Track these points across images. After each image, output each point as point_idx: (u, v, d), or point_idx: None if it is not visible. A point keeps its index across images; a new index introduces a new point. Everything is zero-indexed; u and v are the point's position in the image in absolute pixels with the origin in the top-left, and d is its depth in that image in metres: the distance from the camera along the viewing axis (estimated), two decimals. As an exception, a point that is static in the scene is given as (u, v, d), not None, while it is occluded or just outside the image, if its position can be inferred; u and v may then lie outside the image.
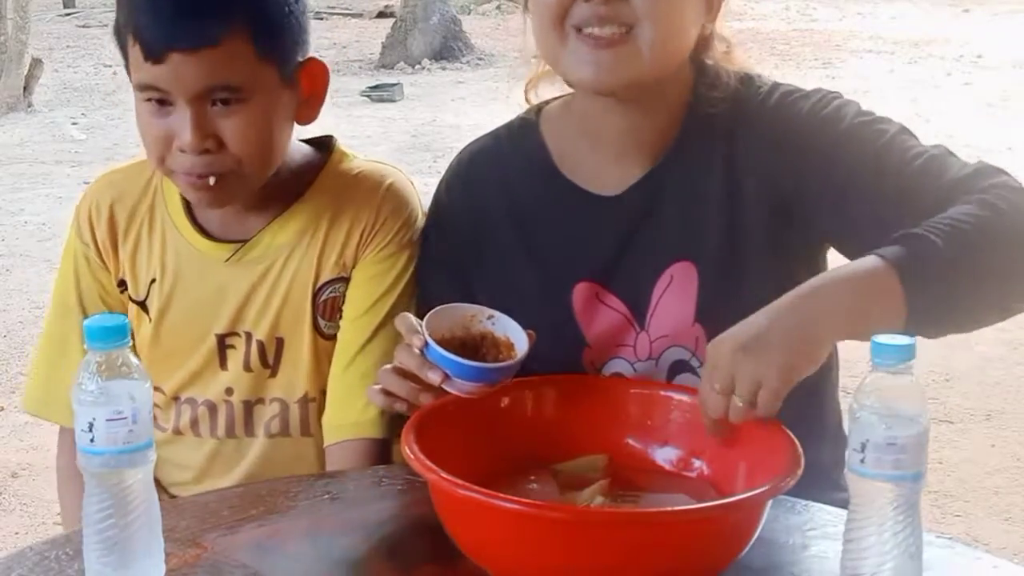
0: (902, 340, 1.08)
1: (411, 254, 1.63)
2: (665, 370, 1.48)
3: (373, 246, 1.62)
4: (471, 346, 1.33)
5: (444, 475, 1.14)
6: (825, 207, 1.42)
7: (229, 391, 1.65)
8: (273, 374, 1.64)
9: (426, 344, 1.30)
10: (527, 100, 1.60)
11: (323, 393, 1.64)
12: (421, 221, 1.65)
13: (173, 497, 1.65)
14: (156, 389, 1.64)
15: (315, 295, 1.62)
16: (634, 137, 1.49)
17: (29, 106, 9.27)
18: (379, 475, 1.45)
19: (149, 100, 1.54)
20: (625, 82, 1.42)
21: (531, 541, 1.13)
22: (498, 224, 1.56)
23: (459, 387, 1.31)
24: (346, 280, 1.63)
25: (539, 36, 1.46)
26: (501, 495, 1.12)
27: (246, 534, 1.31)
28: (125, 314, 1.65)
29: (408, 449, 1.20)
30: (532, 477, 1.28)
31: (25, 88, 9.37)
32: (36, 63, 9.57)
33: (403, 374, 1.32)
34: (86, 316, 1.62)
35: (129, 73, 1.57)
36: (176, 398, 1.66)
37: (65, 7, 15.04)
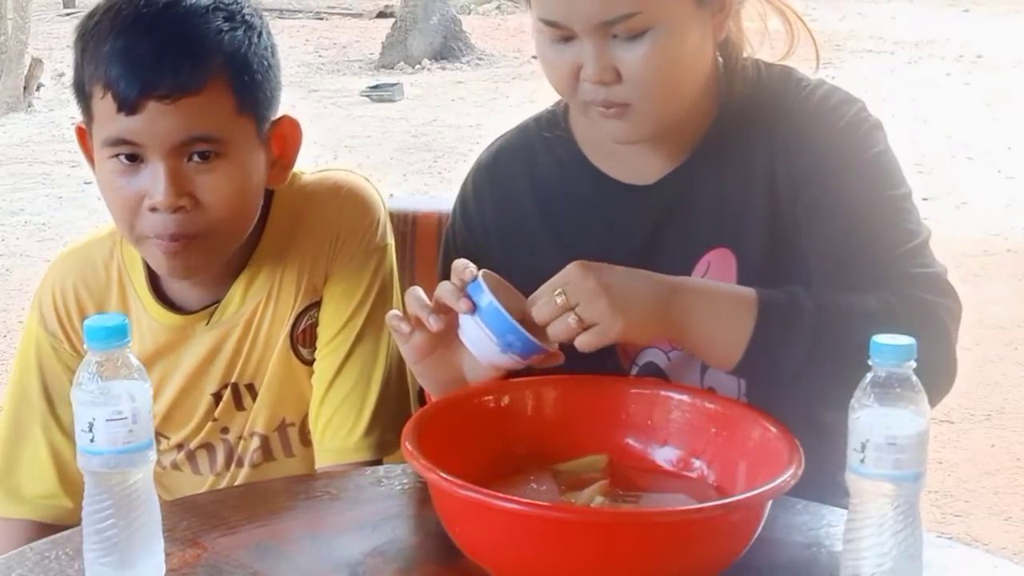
0: (902, 340, 1.09)
1: (380, 259, 1.61)
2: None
3: (340, 259, 1.59)
4: None
5: (444, 475, 1.14)
6: (806, 216, 1.45)
7: (225, 430, 1.64)
8: (260, 405, 1.62)
9: (474, 279, 1.30)
10: None
11: (304, 417, 1.63)
12: (385, 220, 1.63)
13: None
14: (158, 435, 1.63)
15: (292, 326, 1.59)
16: (665, 138, 1.48)
17: (29, 106, 9.27)
18: (379, 475, 1.45)
19: (116, 156, 1.45)
20: (638, 139, 1.45)
21: (531, 541, 1.13)
22: (527, 215, 1.55)
23: (474, 335, 1.30)
24: (319, 304, 1.59)
25: (559, 95, 1.48)
26: (501, 495, 1.12)
27: (246, 534, 1.31)
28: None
29: (408, 449, 1.19)
30: (532, 477, 1.28)
31: (25, 88, 9.37)
32: (36, 63, 9.57)
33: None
34: (52, 408, 1.60)
35: (86, 137, 1.50)
36: (177, 446, 1.65)
37: (65, 7, 15.03)
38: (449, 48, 11.32)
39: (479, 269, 1.32)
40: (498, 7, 14.04)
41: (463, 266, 1.33)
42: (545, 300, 1.30)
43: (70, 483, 1.60)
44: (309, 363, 1.61)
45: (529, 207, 1.56)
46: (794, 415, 1.27)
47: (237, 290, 1.58)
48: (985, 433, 3.80)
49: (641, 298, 1.32)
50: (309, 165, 1.67)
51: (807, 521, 1.31)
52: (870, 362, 1.09)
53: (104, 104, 1.44)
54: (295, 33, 12.72)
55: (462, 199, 1.61)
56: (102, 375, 1.11)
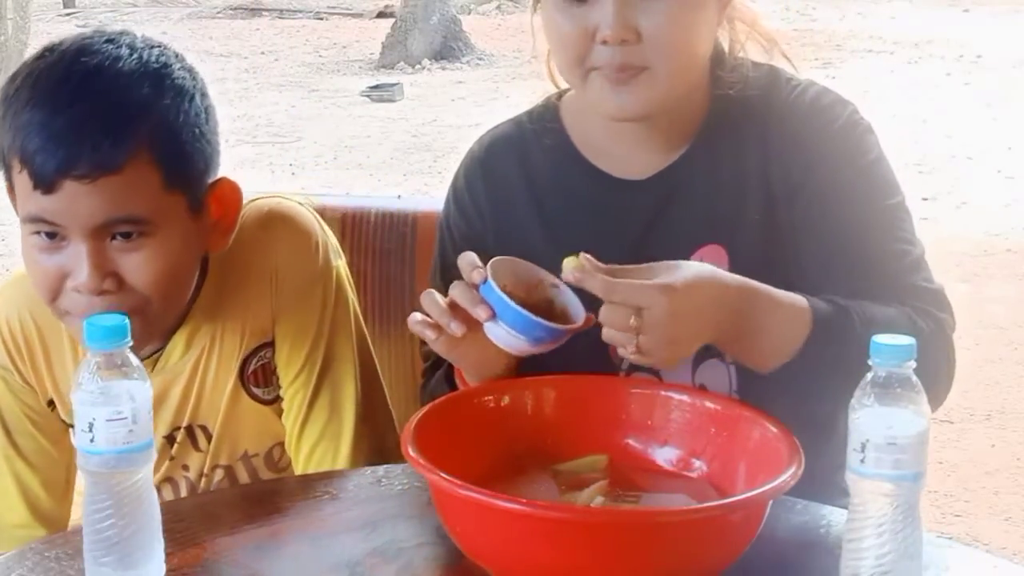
0: (902, 340, 1.09)
1: (326, 284, 1.55)
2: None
3: (284, 295, 1.53)
4: (528, 308, 1.30)
5: (444, 475, 1.14)
6: (803, 220, 1.46)
7: (185, 467, 1.60)
8: (217, 445, 1.58)
9: (484, 281, 1.29)
10: (553, 84, 1.59)
11: (269, 448, 1.60)
12: (323, 241, 1.57)
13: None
14: None
15: (241, 369, 1.54)
16: (658, 130, 1.50)
17: (29, 106, 9.27)
18: (379, 475, 1.45)
19: (37, 233, 1.36)
20: (642, 114, 1.45)
21: (531, 541, 1.13)
22: (519, 208, 1.55)
23: (501, 336, 1.29)
24: (270, 345, 1.54)
25: (560, 70, 1.50)
26: (501, 495, 1.12)
27: (246, 534, 1.31)
28: (62, 427, 1.53)
29: (408, 449, 1.19)
30: (532, 477, 1.28)
31: (25, 88, 9.36)
32: (36, 63, 9.57)
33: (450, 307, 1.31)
34: (11, 439, 1.55)
35: (14, 202, 1.40)
36: None
37: (65, 7, 15.01)
38: (449, 48, 11.31)
39: (484, 262, 1.31)
40: (498, 7, 14.03)
41: (471, 267, 1.31)
42: (619, 312, 1.26)
43: (40, 513, 1.58)
44: (266, 402, 1.57)
45: (522, 200, 1.56)
46: (785, 411, 1.28)
47: (180, 339, 1.53)
48: (985, 433, 3.80)
49: (704, 336, 1.31)
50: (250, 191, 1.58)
51: (807, 521, 1.31)
52: (870, 362, 1.09)
53: (22, 179, 1.36)
54: (295, 33, 12.72)
55: (454, 191, 1.61)
56: (102, 375, 1.11)
